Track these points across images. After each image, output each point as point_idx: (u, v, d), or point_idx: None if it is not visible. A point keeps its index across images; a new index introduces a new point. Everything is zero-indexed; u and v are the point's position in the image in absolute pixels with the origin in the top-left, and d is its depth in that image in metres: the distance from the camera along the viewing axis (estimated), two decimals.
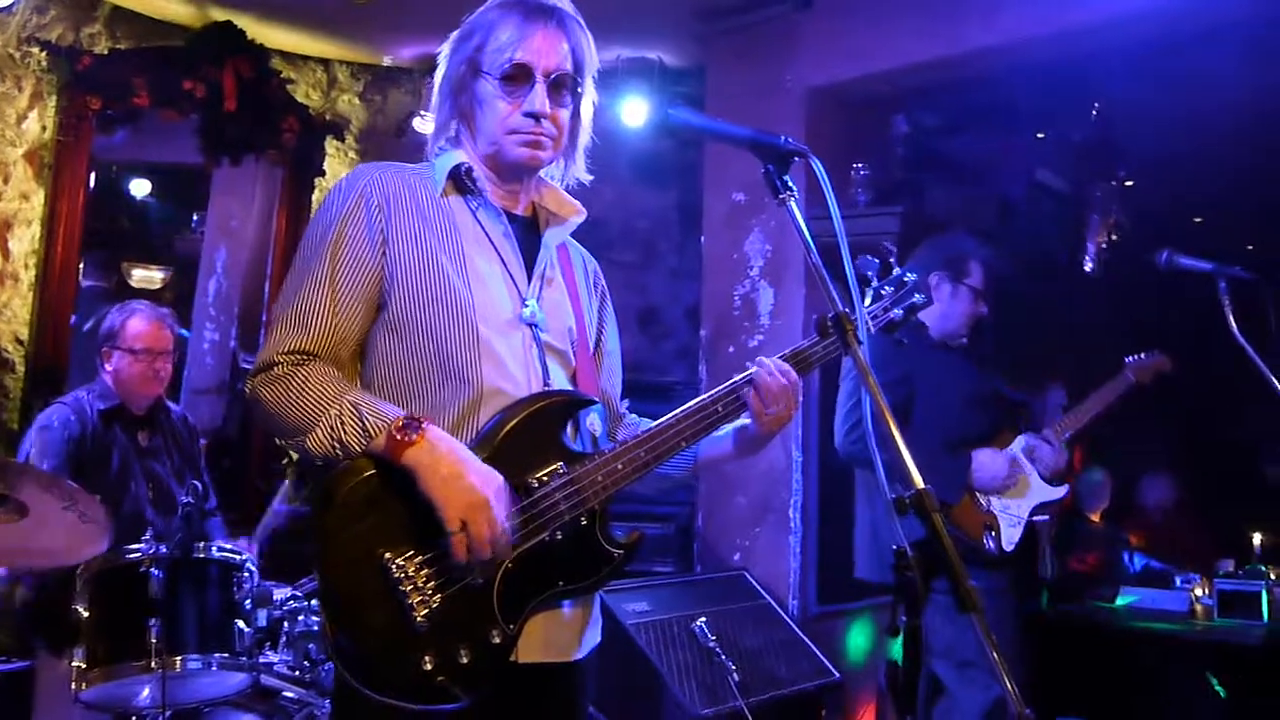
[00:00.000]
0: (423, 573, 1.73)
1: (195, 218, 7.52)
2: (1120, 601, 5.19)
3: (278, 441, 1.84)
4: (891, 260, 2.13)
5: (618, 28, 5.05)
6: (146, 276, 7.94)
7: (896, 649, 1.52)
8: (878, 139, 5.04)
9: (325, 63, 5.88)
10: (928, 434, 3.59)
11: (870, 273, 2.10)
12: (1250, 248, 6.59)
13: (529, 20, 1.92)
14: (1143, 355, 3.99)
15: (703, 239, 5.20)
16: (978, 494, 3.64)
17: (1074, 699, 4.62)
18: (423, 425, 1.73)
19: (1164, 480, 6.32)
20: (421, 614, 1.71)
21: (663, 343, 5.79)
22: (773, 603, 4.38)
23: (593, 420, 1.98)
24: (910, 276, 2.14)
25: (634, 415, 2.19)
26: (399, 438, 1.71)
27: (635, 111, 5.14)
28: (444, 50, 1.99)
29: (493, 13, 1.95)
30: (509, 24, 1.92)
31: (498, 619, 1.77)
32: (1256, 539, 5.41)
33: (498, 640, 1.77)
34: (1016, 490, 3.69)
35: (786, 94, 4.91)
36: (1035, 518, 3.71)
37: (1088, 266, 5.87)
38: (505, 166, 1.98)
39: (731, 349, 4.93)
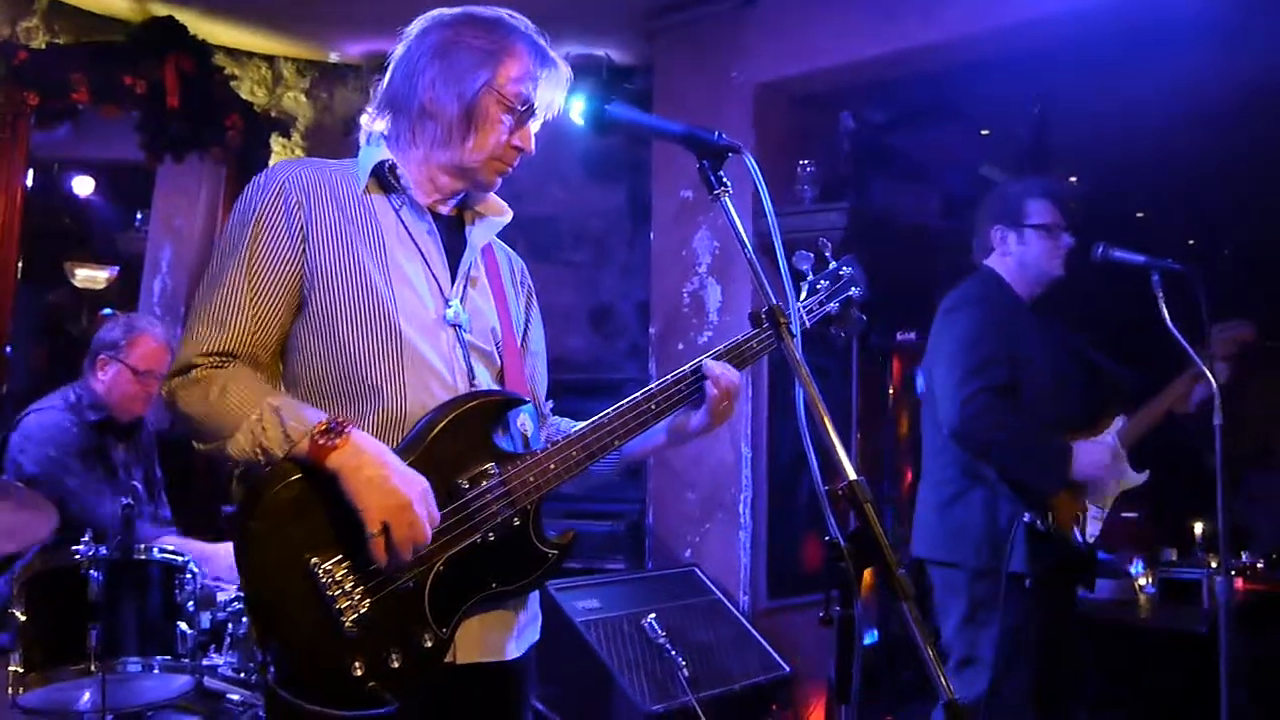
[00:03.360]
0: (351, 578, 1.70)
1: (139, 216, 7.42)
2: None
3: (196, 446, 1.80)
4: (827, 254, 2.13)
5: (566, 25, 5.04)
6: (90, 276, 7.83)
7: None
8: (825, 135, 5.07)
9: (270, 59, 5.82)
10: (1031, 413, 3.36)
11: (806, 266, 2.10)
12: (1191, 242, 6.73)
13: (545, 64, 1.95)
14: (1230, 323, 3.47)
15: (652, 236, 5.21)
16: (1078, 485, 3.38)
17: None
18: (346, 429, 1.70)
19: None
20: (350, 619, 1.69)
21: (615, 340, 5.79)
22: (723, 598, 4.40)
23: (523, 420, 1.96)
24: (846, 270, 2.14)
25: (556, 416, 2.17)
26: (321, 442, 1.69)
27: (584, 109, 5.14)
28: (438, 38, 1.93)
29: (510, 36, 1.93)
30: (526, 57, 1.93)
31: (429, 622, 1.75)
32: (1198, 528, 5.52)
33: (429, 644, 1.75)
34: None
35: (734, 90, 4.92)
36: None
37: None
38: (469, 182, 1.98)
39: (681, 345, 4.95)
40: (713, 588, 4.43)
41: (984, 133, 5.72)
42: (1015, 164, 5.69)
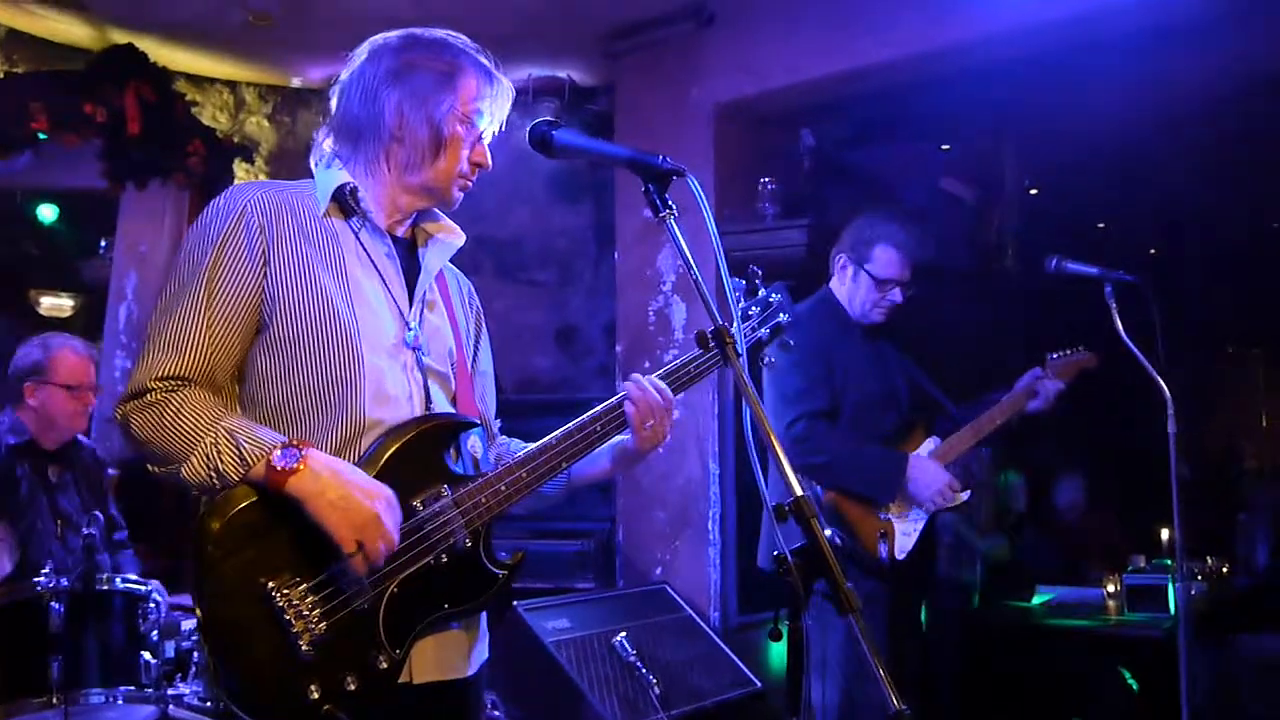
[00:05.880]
0: (307, 600, 1.71)
1: (104, 243, 7.37)
2: (1036, 600, 5.30)
3: (151, 469, 1.79)
4: (757, 281, 2.17)
5: (528, 47, 5.07)
6: (55, 304, 7.78)
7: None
8: (786, 152, 5.12)
9: (232, 84, 5.82)
10: (855, 427, 3.51)
11: (737, 294, 2.13)
12: (1153, 251, 6.81)
13: (493, 80, 1.98)
14: (1067, 352, 3.68)
15: (616, 255, 5.23)
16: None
17: (993, 696, 4.71)
18: (302, 452, 1.70)
19: (1077, 481, 6.47)
20: (306, 642, 1.69)
21: (582, 360, 5.80)
22: (693, 615, 4.40)
23: (473, 442, 1.98)
24: (775, 297, 2.17)
25: (504, 436, 2.19)
26: (279, 468, 1.69)
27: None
28: (392, 62, 1.94)
29: (459, 57, 1.96)
30: (477, 75, 1.96)
31: (384, 644, 1.77)
32: (1164, 535, 5.55)
33: (384, 665, 1.77)
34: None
35: (694, 110, 4.96)
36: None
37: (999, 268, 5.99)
38: (436, 201, 2.00)
39: (647, 364, 4.96)
40: (683, 605, 4.42)
41: (944, 148, 5.78)
42: (976, 178, 5.76)
